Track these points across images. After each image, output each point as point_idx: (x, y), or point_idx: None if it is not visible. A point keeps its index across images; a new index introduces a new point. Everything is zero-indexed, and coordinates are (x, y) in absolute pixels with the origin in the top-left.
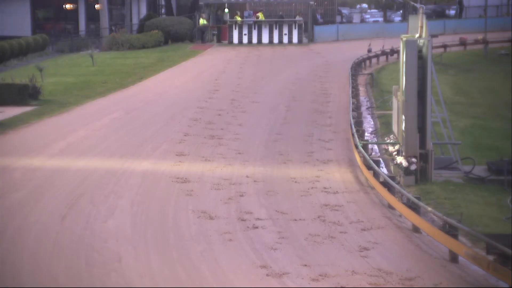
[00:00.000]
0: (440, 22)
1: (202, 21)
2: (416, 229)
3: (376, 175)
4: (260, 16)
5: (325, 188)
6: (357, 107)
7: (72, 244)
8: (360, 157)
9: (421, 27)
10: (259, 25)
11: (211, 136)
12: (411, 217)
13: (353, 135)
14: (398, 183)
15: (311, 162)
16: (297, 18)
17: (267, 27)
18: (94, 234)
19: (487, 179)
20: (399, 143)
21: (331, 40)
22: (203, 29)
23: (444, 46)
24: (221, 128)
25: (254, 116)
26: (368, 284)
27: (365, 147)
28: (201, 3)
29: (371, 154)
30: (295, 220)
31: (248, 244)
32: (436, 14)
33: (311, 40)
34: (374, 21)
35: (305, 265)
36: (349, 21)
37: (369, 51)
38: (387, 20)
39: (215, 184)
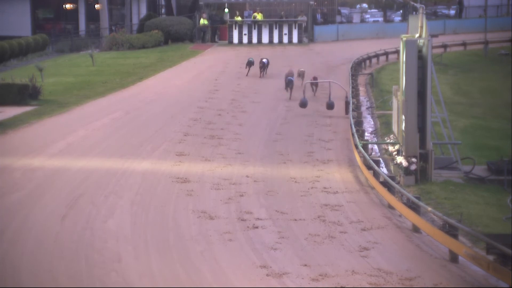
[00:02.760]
0: (440, 22)
1: (203, 21)
2: (416, 229)
3: (376, 175)
4: (259, 16)
5: (325, 188)
6: (357, 107)
7: (72, 244)
8: (360, 157)
9: (421, 27)
10: (259, 25)
11: (211, 136)
12: (411, 217)
13: (353, 135)
14: (398, 183)
15: (311, 162)
16: (300, 18)
17: (267, 27)
18: (94, 234)
19: (487, 179)
20: (399, 143)
21: (331, 40)
22: (203, 29)
23: (444, 46)
24: (221, 128)
25: (254, 116)
26: (368, 284)
27: (365, 147)
28: (201, 3)
29: (371, 154)
30: (295, 220)
31: (248, 244)
32: (432, 14)
33: (311, 40)
34: (374, 21)
35: (305, 265)
36: (349, 21)
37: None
38: (387, 20)
39: (215, 184)
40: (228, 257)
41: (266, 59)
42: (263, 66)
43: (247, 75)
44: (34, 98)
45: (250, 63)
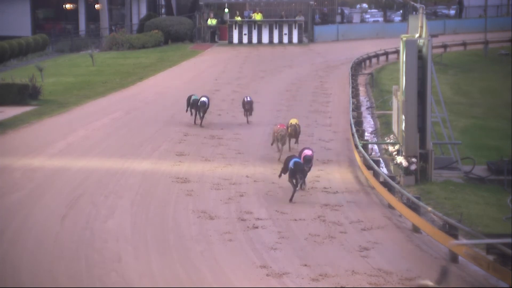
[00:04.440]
0: (440, 22)
1: (211, 21)
2: (416, 229)
3: (376, 175)
4: (257, 16)
5: (325, 188)
6: (357, 107)
7: (72, 244)
8: (360, 157)
9: (421, 27)
10: (259, 25)
11: (211, 136)
12: (411, 217)
13: (353, 135)
14: (398, 183)
15: None
16: (297, 18)
17: (267, 27)
18: (94, 234)
19: (487, 179)
20: (399, 143)
21: (331, 40)
22: (213, 29)
23: (444, 46)
24: (221, 128)
25: (254, 116)
26: (368, 284)
27: (365, 147)
28: (201, 3)
29: (371, 154)
30: (295, 220)
31: (248, 244)
32: (432, 14)
33: (311, 40)
34: (374, 21)
35: (305, 265)
36: (349, 21)
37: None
38: (387, 20)
39: (215, 184)
40: (228, 257)
41: (206, 97)
42: (201, 109)
43: (195, 122)
44: (34, 98)
45: (191, 104)
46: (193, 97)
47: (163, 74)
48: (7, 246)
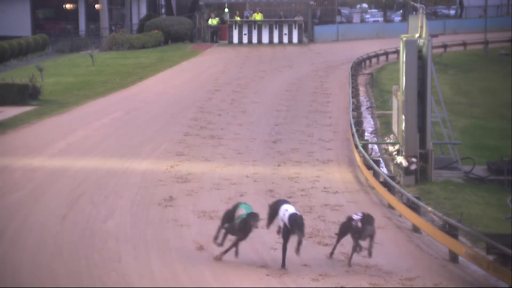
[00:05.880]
0: (440, 22)
1: (211, 21)
2: (416, 229)
3: (376, 175)
4: (257, 16)
5: (325, 188)
6: (357, 107)
7: (72, 244)
8: (360, 157)
9: (421, 27)
10: (259, 25)
11: (211, 136)
12: (411, 217)
13: (353, 135)
14: (398, 183)
15: (311, 162)
16: (296, 18)
17: (267, 27)
18: (94, 234)
19: (487, 179)
20: (399, 143)
21: (331, 40)
22: (214, 29)
23: (444, 46)
24: (221, 128)
25: (254, 116)
26: (368, 284)
27: (365, 147)
28: (201, 3)
29: (371, 154)
30: None
31: (248, 244)
32: (432, 14)
33: (311, 40)
34: (374, 21)
35: (305, 265)
36: (349, 21)
37: None
38: (387, 20)
39: (215, 184)
40: (228, 257)
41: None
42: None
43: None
44: (34, 98)
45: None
46: (242, 208)
47: (163, 74)
48: (7, 246)
